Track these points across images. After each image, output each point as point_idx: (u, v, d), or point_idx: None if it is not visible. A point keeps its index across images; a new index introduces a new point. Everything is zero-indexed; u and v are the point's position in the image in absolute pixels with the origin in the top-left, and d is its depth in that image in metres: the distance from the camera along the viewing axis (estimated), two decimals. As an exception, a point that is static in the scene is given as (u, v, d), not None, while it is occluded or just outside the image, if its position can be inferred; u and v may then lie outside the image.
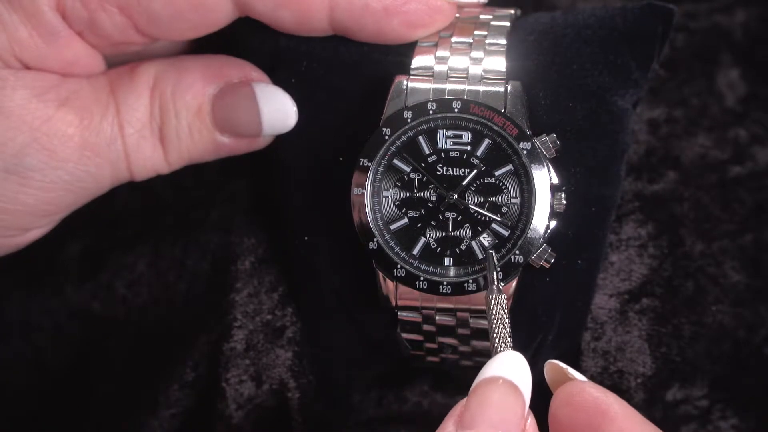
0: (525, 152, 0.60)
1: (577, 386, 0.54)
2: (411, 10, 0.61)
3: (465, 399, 0.52)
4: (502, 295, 0.58)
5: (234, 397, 0.67)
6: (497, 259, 0.61)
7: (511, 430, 0.50)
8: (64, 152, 0.60)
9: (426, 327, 0.64)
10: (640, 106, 0.69)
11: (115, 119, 0.61)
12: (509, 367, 0.53)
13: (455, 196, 0.62)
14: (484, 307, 0.62)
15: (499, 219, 0.61)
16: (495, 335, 0.57)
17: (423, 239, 0.62)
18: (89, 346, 0.74)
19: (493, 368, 0.53)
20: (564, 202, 0.61)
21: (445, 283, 0.61)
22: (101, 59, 0.63)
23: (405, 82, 0.62)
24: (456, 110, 0.61)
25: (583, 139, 0.63)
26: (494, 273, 0.59)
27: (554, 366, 0.56)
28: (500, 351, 0.56)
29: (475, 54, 0.62)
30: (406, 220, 0.62)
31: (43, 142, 0.60)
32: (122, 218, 0.74)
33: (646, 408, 0.65)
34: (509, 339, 0.57)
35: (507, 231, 0.61)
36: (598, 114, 0.63)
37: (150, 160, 0.63)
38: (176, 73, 0.63)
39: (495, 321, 0.57)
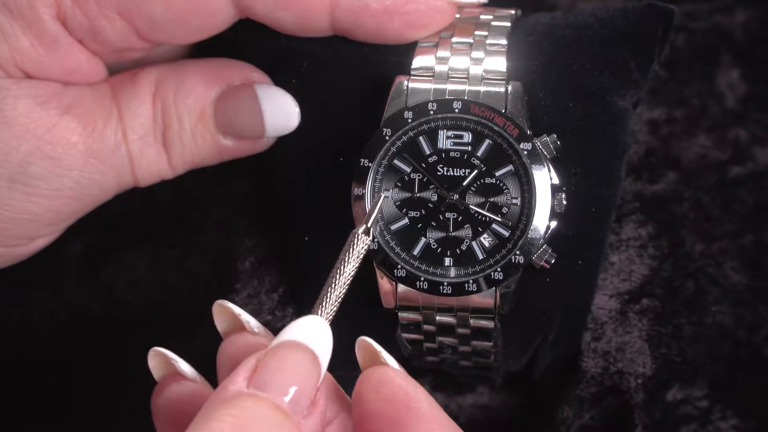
0: (525, 152, 0.60)
1: (388, 374, 0.52)
2: (411, 11, 0.61)
3: (261, 352, 0.50)
4: (368, 239, 0.58)
5: (234, 397, 0.67)
6: (498, 259, 0.61)
7: (301, 400, 0.49)
8: (69, 160, 0.60)
9: (426, 327, 0.64)
10: (640, 106, 0.69)
11: (118, 126, 0.61)
12: (313, 335, 0.51)
13: (456, 196, 0.62)
14: (484, 307, 0.62)
15: (499, 219, 0.61)
16: (333, 280, 0.55)
17: (423, 240, 0.62)
18: (89, 346, 0.74)
19: (297, 332, 0.51)
20: (564, 202, 0.61)
21: (445, 283, 0.61)
22: (103, 66, 0.63)
23: (405, 83, 0.62)
24: (456, 111, 0.61)
25: (583, 139, 0.63)
26: (374, 214, 0.59)
27: (366, 344, 0.54)
28: (327, 305, 0.55)
29: (476, 54, 0.62)
30: (406, 220, 0.62)
31: (47, 150, 0.60)
32: (122, 218, 0.74)
33: (646, 408, 0.65)
34: (341, 291, 0.55)
35: (507, 231, 0.61)
36: (598, 114, 0.63)
37: (154, 165, 0.63)
38: (177, 77, 0.62)
39: (342, 263, 0.56)
